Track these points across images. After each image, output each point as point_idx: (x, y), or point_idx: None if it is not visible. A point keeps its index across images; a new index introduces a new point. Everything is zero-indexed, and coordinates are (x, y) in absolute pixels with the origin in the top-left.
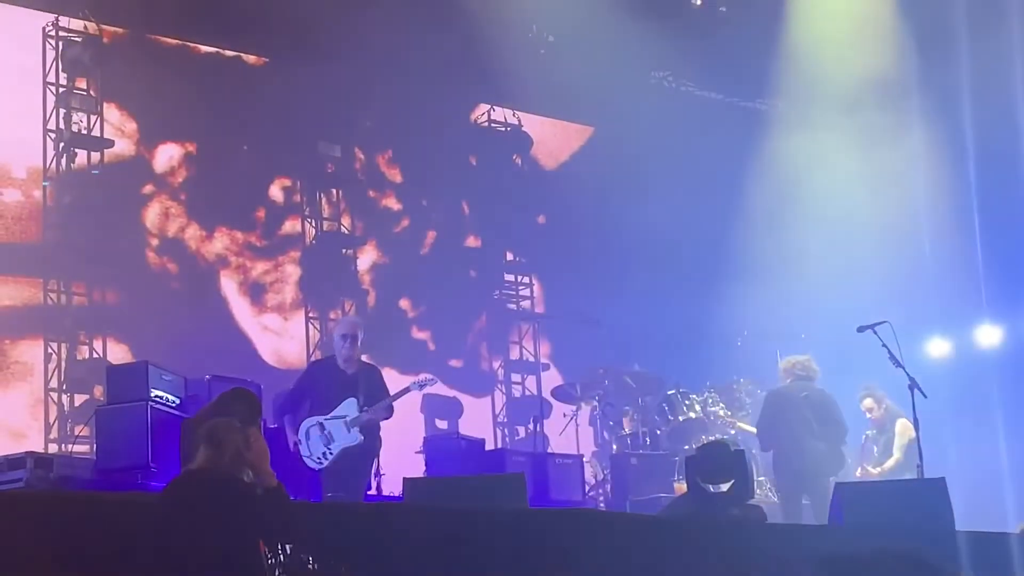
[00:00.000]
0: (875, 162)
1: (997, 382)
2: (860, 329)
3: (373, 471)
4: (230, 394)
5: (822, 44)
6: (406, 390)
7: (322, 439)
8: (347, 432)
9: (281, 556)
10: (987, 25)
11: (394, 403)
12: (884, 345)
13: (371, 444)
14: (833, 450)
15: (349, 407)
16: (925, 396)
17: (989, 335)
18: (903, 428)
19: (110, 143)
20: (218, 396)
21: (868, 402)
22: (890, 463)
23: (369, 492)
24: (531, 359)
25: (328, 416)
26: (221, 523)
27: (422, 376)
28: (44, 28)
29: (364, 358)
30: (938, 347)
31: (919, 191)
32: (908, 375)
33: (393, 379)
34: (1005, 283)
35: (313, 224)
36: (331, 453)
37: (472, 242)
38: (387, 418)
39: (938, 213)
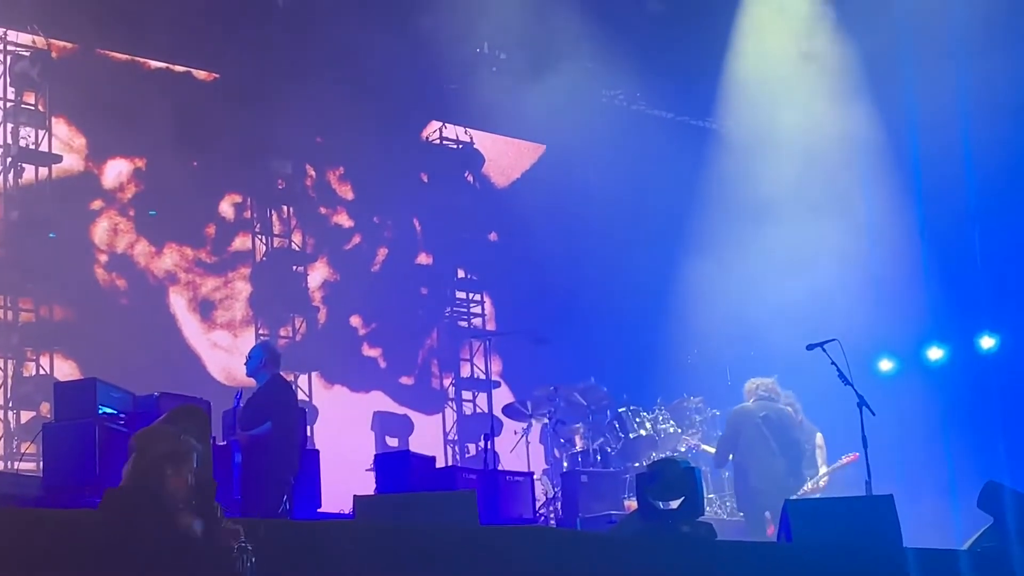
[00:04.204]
0: (824, 186)
1: (946, 399)
2: (810, 347)
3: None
4: (179, 411)
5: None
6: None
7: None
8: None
9: None
10: (931, 59)
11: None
12: (833, 363)
13: (247, 461)
14: (793, 470)
15: None
16: (874, 414)
17: (937, 353)
18: (822, 441)
19: (58, 158)
20: (167, 413)
21: (789, 411)
22: (823, 481)
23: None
24: (482, 376)
25: None
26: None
27: None
28: None
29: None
30: (886, 365)
31: (868, 215)
32: (857, 393)
33: (344, 396)
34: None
35: (263, 241)
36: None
37: (423, 259)
38: (260, 433)
39: (888, 236)
